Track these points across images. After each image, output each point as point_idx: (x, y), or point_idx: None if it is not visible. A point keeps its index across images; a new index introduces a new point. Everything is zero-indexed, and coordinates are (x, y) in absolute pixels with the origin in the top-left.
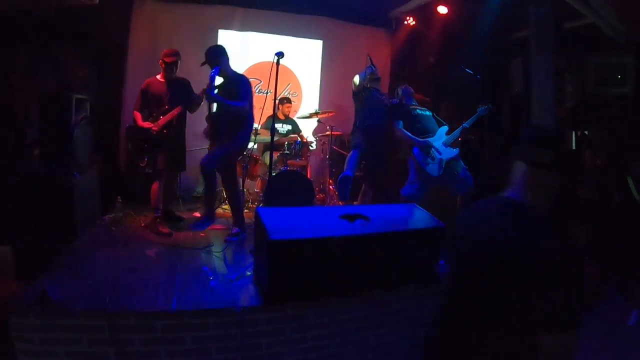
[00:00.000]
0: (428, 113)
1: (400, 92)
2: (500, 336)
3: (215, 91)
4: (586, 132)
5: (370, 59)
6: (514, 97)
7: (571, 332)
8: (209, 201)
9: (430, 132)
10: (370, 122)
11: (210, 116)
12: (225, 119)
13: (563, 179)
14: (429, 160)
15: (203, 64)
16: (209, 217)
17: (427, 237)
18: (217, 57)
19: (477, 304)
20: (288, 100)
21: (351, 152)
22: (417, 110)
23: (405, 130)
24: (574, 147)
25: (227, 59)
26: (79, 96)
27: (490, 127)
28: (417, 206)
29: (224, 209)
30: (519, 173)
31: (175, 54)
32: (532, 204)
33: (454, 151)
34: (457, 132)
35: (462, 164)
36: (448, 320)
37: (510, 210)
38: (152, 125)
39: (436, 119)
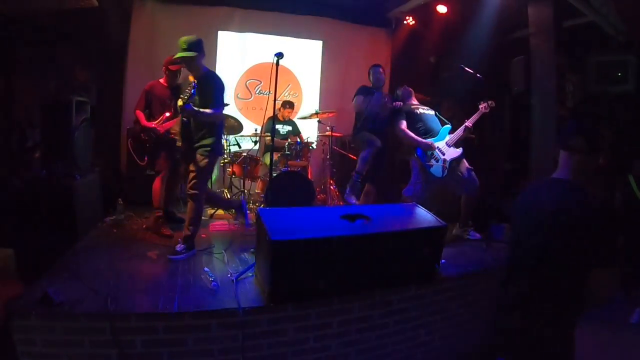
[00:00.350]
0: (430, 112)
1: (400, 93)
2: (558, 278)
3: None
4: None
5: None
6: (515, 97)
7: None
8: (195, 227)
9: (433, 132)
10: (372, 124)
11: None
12: (199, 128)
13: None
14: (433, 161)
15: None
16: (190, 246)
17: (429, 237)
18: (198, 49)
19: (541, 259)
20: (290, 106)
21: (366, 150)
22: (420, 110)
23: (408, 131)
24: None
25: (204, 55)
26: (80, 98)
27: (492, 126)
28: (419, 206)
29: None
30: (562, 159)
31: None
32: (574, 181)
33: (458, 151)
34: (459, 131)
35: (467, 163)
36: (517, 279)
37: (557, 187)
38: (157, 125)
39: (439, 118)
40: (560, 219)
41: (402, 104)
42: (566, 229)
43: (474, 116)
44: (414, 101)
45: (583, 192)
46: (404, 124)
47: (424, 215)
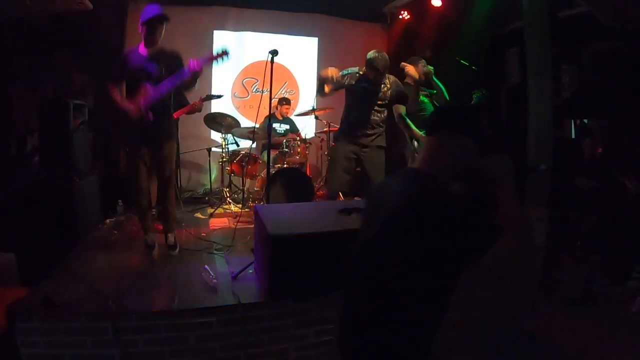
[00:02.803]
0: (426, 100)
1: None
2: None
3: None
4: (585, 121)
5: None
6: (511, 88)
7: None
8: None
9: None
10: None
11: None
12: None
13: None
14: None
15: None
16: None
17: None
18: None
19: (386, 267)
20: (287, 102)
21: None
22: (421, 97)
23: (408, 120)
24: (573, 137)
25: None
26: (77, 101)
27: (488, 118)
28: None
29: (225, 208)
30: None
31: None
32: (432, 171)
33: None
34: None
35: None
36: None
37: (408, 177)
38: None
39: (434, 105)
40: (408, 212)
41: None
42: (414, 224)
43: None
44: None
45: (434, 184)
46: (402, 110)
47: None
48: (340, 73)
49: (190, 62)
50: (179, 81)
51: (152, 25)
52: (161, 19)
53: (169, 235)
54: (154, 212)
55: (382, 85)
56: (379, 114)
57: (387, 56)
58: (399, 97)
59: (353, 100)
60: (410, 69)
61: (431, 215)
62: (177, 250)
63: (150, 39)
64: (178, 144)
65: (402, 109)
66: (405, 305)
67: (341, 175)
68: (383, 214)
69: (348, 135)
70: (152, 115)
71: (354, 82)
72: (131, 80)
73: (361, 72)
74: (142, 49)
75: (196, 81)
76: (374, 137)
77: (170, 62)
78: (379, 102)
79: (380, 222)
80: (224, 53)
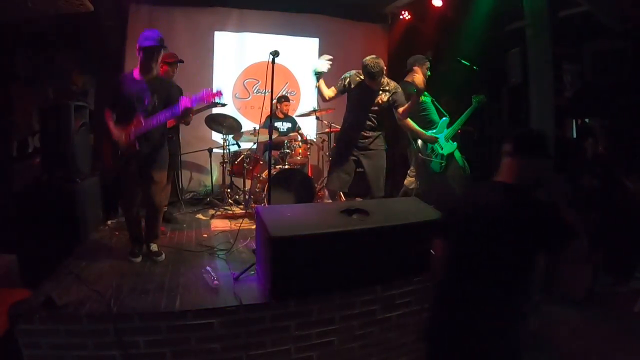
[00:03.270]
0: (429, 99)
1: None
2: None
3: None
4: (587, 121)
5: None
6: (513, 88)
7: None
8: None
9: (433, 124)
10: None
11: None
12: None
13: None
14: (432, 156)
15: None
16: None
17: (429, 230)
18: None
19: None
20: (286, 99)
21: None
22: (423, 97)
23: (411, 120)
24: (574, 136)
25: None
26: (78, 103)
27: (490, 118)
28: (418, 199)
29: (226, 209)
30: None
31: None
32: (513, 184)
33: (454, 145)
34: (456, 125)
35: (459, 154)
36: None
37: (496, 188)
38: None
39: (436, 107)
40: (500, 219)
41: None
42: (506, 228)
43: (467, 111)
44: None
45: (520, 194)
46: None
47: (424, 209)
48: (342, 77)
49: (183, 99)
50: (171, 115)
51: (150, 53)
52: (159, 49)
53: (152, 244)
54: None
55: (381, 91)
56: (374, 119)
57: (381, 62)
58: (397, 104)
59: (350, 104)
60: (417, 79)
61: (525, 216)
62: (163, 257)
63: (146, 67)
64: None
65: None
66: (508, 283)
67: (341, 176)
68: (486, 217)
69: (347, 137)
70: (139, 146)
71: (353, 86)
72: (124, 106)
73: (361, 77)
74: (137, 75)
75: (189, 115)
76: (371, 139)
77: (165, 93)
78: (373, 108)
79: (484, 223)
80: (218, 94)
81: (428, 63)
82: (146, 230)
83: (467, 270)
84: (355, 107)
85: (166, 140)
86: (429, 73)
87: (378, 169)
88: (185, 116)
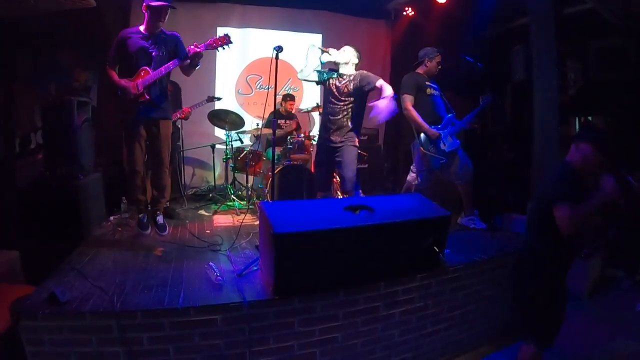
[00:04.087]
0: (437, 93)
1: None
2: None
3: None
4: (590, 118)
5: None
6: (516, 85)
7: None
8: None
9: (439, 119)
10: None
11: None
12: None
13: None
14: (434, 150)
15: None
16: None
17: (433, 227)
18: None
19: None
20: (291, 98)
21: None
22: (430, 90)
23: (414, 111)
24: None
25: None
26: (80, 99)
27: (492, 115)
28: (422, 196)
29: (229, 205)
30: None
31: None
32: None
33: (457, 142)
34: (462, 123)
35: (462, 151)
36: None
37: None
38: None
39: (444, 103)
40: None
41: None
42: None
43: (475, 110)
44: (426, 75)
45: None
46: (411, 102)
47: (427, 205)
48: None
49: (190, 48)
50: (179, 62)
51: (158, 12)
52: (166, 9)
53: (158, 215)
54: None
55: (343, 79)
56: (344, 111)
57: (351, 49)
58: (365, 85)
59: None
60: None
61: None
62: (166, 232)
63: (153, 24)
64: (182, 140)
65: (409, 99)
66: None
67: (324, 175)
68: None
69: (321, 135)
70: (148, 95)
71: (325, 78)
72: (130, 60)
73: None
74: (144, 30)
75: (198, 62)
76: (340, 135)
77: (171, 44)
78: (341, 98)
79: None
80: (226, 38)
81: (440, 56)
82: (152, 194)
83: None
84: (325, 101)
85: (167, 92)
86: (439, 67)
87: (349, 164)
88: (196, 63)
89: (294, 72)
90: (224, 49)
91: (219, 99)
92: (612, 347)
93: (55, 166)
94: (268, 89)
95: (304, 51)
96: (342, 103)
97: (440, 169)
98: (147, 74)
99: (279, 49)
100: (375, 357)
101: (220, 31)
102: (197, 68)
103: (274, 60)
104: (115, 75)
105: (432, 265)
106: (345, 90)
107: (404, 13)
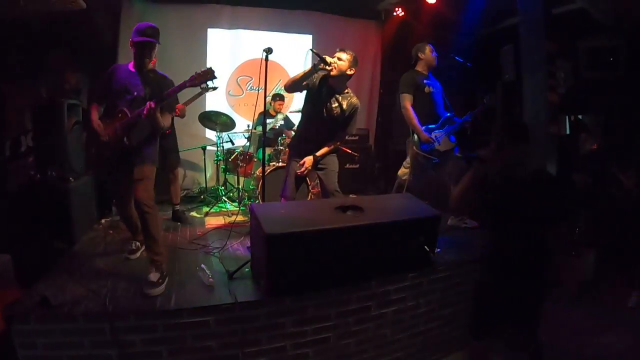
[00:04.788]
0: (436, 90)
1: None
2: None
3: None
4: (580, 117)
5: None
6: (506, 84)
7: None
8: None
9: (436, 117)
10: None
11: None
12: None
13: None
14: (428, 152)
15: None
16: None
17: (423, 226)
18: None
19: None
20: (280, 97)
21: None
22: (428, 88)
23: (413, 112)
24: (568, 132)
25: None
26: (71, 101)
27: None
28: (411, 196)
29: (220, 206)
30: None
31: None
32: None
33: (453, 141)
34: (459, 122)
35: (457, 151)
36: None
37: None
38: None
39: (444, 101)
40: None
41: None
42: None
43: (476, 109)
44: (426, 69)
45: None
46: (409, 101)
47: (417, 205)
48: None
49: (170, 90)
50: (157, 104)
51: (141, 48)
52: (151, 44)
53: (151, 273)
54: None
55: (334, 101)
56: (330, 131)
57: (350, 55)
58: (347, 118)
59: (305, 105)
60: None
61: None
62: (150, 291)
63: (140, 61)
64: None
65: (408, 98)
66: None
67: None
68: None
69: (297, 147)
70: (127, 141)
71: (316, 82)
72: (113, 98)
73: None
74: (132, 67)
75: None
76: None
77: (158, 86)
78: (328, 117)
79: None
80: (210, 72)
81: (429, 46)
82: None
83: None
84: (309, 111)
85: (157, 135)
86: (435, 54)
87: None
88: (169, 109)
89: (284, 73)
90: (207, 85)
91: (214, 88)
92: (604, 342)
93: (46, 169)
94: (259, 90)
95: (301, 58)
96: (328, 122)
97: (434, 168)
98: (125, 117)
99: (268, 50)
100: (368, 356)
101: (211, 32)
102: (171, 114)
103: (264, 62)
104: (95, 114)
105: (423, 264)
106: (335, 112)
107: (395, 13)
